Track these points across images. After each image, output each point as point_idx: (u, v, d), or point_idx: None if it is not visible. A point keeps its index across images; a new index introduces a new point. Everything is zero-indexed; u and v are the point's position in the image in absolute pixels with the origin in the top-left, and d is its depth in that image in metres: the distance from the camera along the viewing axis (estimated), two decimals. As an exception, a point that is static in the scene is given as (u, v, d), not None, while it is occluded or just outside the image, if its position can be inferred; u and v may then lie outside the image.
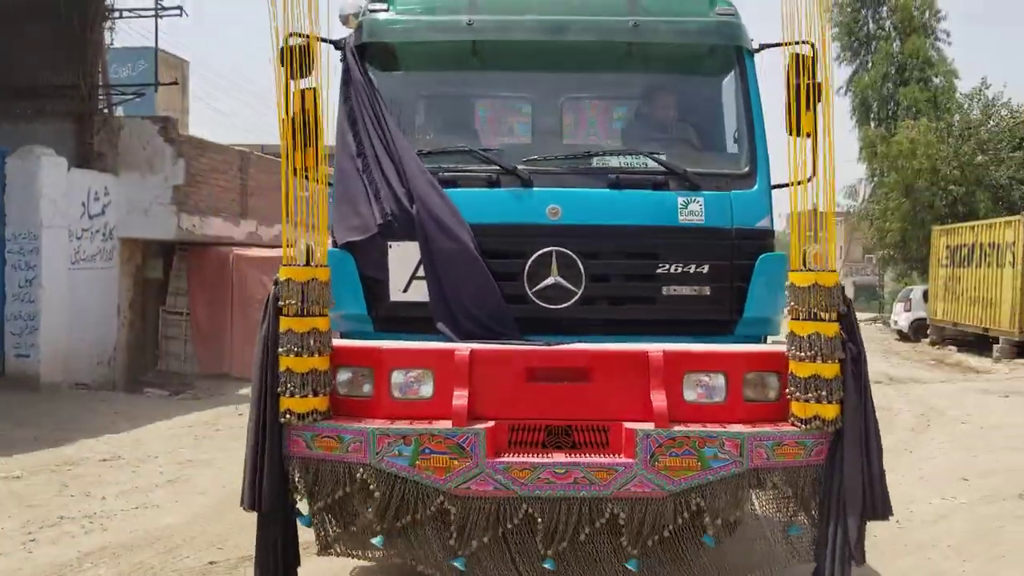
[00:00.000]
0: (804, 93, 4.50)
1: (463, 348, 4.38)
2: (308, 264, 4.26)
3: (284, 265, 4.28)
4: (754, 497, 4.48)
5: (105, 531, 6.53)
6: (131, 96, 15.50)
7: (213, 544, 6.23)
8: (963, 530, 6.58)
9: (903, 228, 27.91)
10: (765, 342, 5.01)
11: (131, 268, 14.46)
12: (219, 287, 14.84)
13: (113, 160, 13.80)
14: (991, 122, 27.37)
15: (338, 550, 4.58)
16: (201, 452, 9.18)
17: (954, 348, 23.20)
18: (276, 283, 4.30)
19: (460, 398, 4.25)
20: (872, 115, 31.92)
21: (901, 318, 27.55)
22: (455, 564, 4.24)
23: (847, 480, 4.14)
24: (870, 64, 31.38)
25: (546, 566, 4.21)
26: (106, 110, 14.54)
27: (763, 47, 5.21)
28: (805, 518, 4.39)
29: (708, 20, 5.16)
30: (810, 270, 4.29)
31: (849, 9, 31.28)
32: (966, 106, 28.60)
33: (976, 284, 21.78)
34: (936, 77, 30.75)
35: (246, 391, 13.75)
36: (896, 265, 31.74)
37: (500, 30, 5.13)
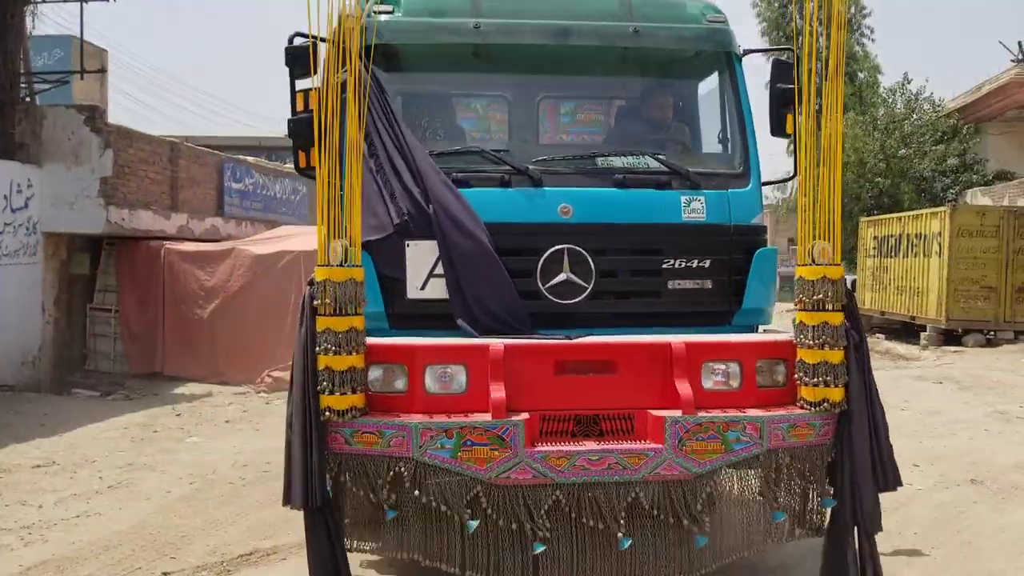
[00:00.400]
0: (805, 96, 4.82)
1: (497, 343, 4.54)
2: (343, 264, 4.34)
3: (319, 266, 4.34)
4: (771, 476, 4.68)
5: (46, 543, 6.14)
6: (55, 84, 14.80)
7: (165, 554, 5.90)
8: (925, 516, 6.64)
9: (831, 220, 28.35)
10: (756, 331, 5.30)
11: (56, 264, 13.79)
12: (150, 283, 14.28)
13: (36, 151, 13.12)
14: (914, 116, 28.13)
15: (354, 544, 4.63)
16: (141, 456, 8.76)
17: (882, 336, 23.75)
18: (311, 283, 4.37)
19: (497, 391, 4.40)
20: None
21: (830, 307, 28.12)
22: (535, 548, 4.38)
23: (857, 457, 4.52)
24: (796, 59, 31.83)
25: (623, 546, 4.39)
26: (28, 99, 13.84)
27: (747, 52, 5.60)
28: (815, 493, 4.68)
29: (702, 27, 5.45)
30: (817, 264, 4.59)
31: (776, 4, 31.84)
32: (890, 100, 29.36)
33: (903, 274, 22.32)
34: (861, 72, 31.51)
35: (181, 390, 13.30)
36: (823, 256, 32.36)
37: (506, 33, 5.26)
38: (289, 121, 5.07)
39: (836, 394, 4.50)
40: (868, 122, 27.76)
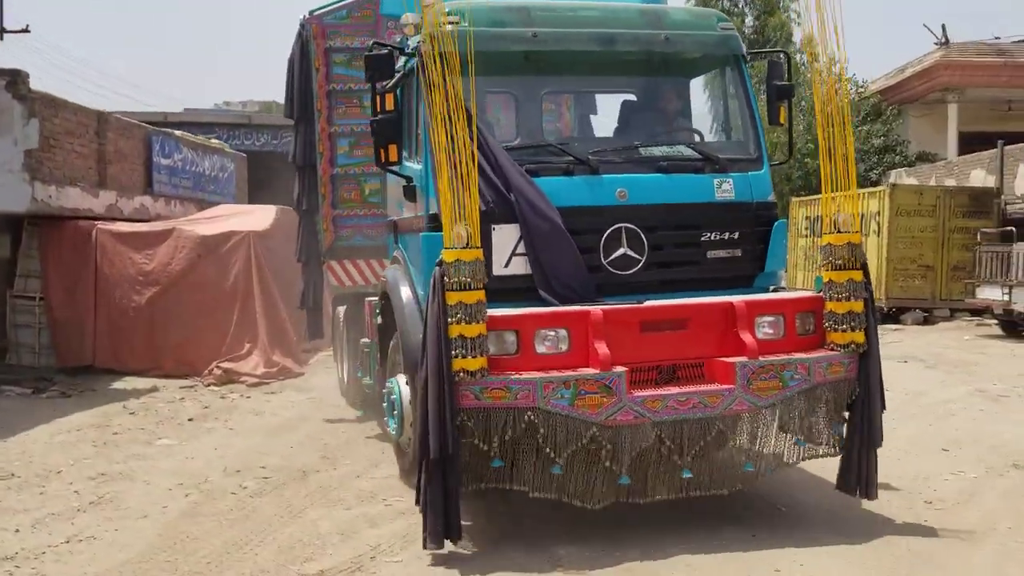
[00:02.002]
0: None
1: (596, 309, 5.37)
2: (468, 246, 5.04)
3: (447, 248, 5.07)
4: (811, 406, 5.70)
5: (43, 578, 5.16)
6: (-33, 44, 13.19)
7: (197, 585, 5.02)
8: (1003, 508, 6.27)
9: (760, 200, 28.46)
10: (769, 291, 6.25)
11: (-30, 246, 12.35)
12: (80, 267, 12.92)
13: (-53, 120, 11.64)
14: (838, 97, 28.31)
15: (489, 484, 5.30)
16: (112, 463, 7.70)
17: (815, 315, 23.94)
18: (440, 264, 5.06)
19: (602, 348, 5.23)
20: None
21: (759, 287, 28.29)
22: (621, 482, 5.27)
23: (872, 387, 5.66)
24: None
25: (684, 475, 5.41)
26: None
27: (750, 54, 6.68)
28: (841, 418, 5.77)
29: (718, 34, 6.38)
30: (842, 232, 5.62)
31: (706, -16, 31.64)
32: (816, 81, 29.45)
33: (839, 253, 22.43)
34: (797, 55, 31.37)
35: (120, 385, 12.08)
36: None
37: (560, 41, 6.06)
38: (372, 122, 5.91)
39: (860, 337, 5.61)
40: (795, 103, 27.82)
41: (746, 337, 5.48)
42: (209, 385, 12.03)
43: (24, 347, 13.08)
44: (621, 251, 5.80)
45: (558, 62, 6.35)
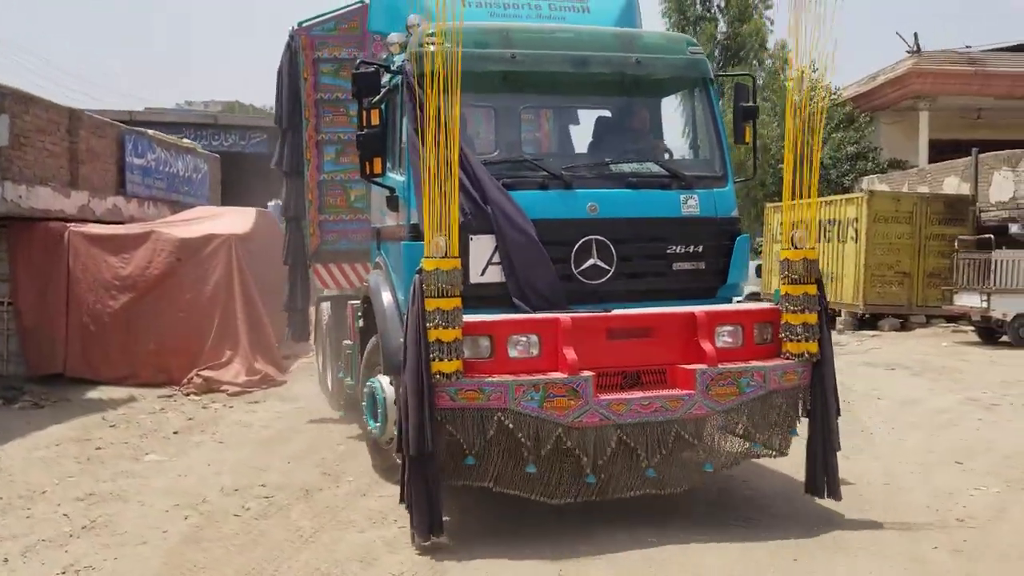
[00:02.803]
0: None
1: (565, 316, 5.66)
2: (446, 256, 5.29)
3: (426, 257, 5.32)
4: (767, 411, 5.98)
5: (43, 615, 4.76)
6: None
7: (211, 621, 4.66)
8: (1039, 527, 6.15)
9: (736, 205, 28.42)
10: (731, 302, 6.59)
11: (-64, 249, 11.76)
12: (51, 270, 12.36)
13: (-87, 116, 11.07)
14: (811, 103, 28.38)
15: (464, 481, 5.55)
16: (99, 482, 7.26)
17: (789, 321, 23.89)
18: (420, 272, 5.32)
19: (570, 353, 5.50)
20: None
21: (733, 293, 28.19)
22: (588, 481, 5.56)
23: (828, 393, 6.00)
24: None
25: (648, 474, 5.67)
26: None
27: (717, 76, 6.98)
28: (792, 423, 6.09)
29: (687, 58, 6.71)
30: (798, 248, 5.98)
31: (680, -13, 31.56)
32: (790, 87, 29.51)
33: (815, 259, 22.45)
34: (769, 60, 31.47)
35: (94, 394, 11.58)
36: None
37: (537, 62, 6.34)
38: (358, 136, 6.19)
39: (814, 347, 5.95)
40: (769, 109, 27.93)
41: (706, 345, 5.80)
42: (189, 394, 11.58)
43: (-9, 354, 12.50)
44: (591, 262, 6.12)
45: (535, 81, 6.66)
